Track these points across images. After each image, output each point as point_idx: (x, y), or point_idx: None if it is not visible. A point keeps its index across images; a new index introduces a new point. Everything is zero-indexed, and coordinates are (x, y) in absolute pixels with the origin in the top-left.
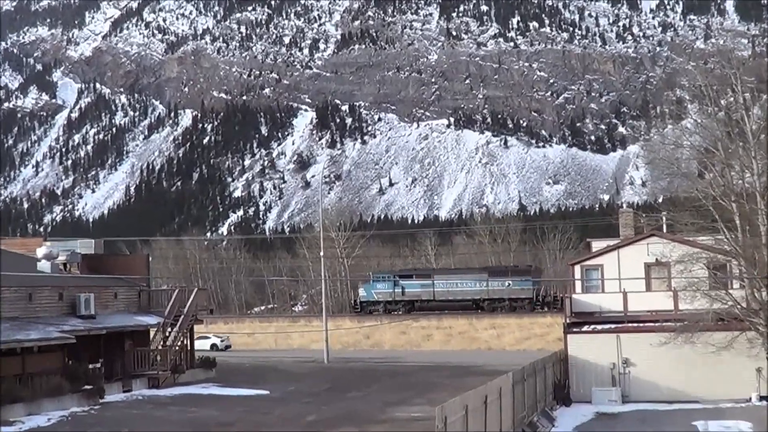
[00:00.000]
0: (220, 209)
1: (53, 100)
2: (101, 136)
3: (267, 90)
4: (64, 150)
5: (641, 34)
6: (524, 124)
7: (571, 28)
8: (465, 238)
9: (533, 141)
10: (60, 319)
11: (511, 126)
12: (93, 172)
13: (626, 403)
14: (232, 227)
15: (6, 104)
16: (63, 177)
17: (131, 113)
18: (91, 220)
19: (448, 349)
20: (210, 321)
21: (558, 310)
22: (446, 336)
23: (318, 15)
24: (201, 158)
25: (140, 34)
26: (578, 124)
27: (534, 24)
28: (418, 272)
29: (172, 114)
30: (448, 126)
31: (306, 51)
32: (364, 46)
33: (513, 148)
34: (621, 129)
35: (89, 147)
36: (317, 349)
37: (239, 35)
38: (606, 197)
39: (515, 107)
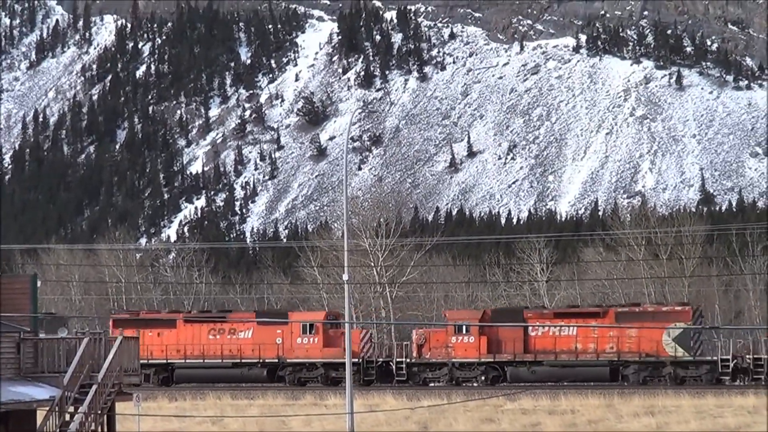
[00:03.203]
0: (165, 196)
1: None
2: None
3: None
4: None
5: None
6: (714, 47)
7: None
8: (602, 251)
9: (730, 77)
10: None
11: (689, 50)
12: None
13: None
14: (185, 228)
15: None
16: None
17: (5, 21)
18: None
19: None
20: (146, 394)
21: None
22: (566, 426)
23: None
24: (131, 104)
25: None
26: None
27: None
28: None
29: (81, 24)
30: (576, 49)
31: None
32: None
33: (692, 89)
34: None
35: None
36: None
37: None
38: None
39: (697, 17)
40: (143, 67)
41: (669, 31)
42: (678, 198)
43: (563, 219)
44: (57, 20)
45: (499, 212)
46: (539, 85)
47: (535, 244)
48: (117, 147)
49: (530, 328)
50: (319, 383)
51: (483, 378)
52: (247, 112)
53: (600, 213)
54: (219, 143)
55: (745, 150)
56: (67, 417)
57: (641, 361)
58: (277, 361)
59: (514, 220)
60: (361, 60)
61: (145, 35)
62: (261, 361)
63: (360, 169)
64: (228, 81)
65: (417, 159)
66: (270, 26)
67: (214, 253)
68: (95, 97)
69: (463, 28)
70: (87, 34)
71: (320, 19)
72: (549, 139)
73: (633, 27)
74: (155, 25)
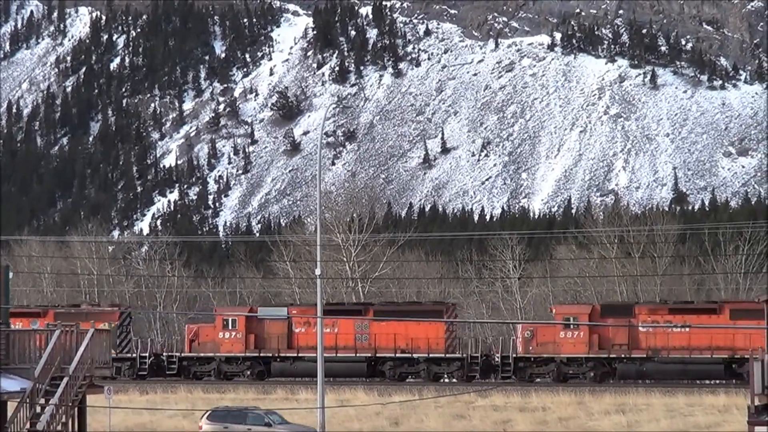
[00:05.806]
0: (138, 189)
1: None
2: None
3: None
4: None
5: None
6: (688, 46)
7: None
8: (575, 249)
9: (704, 76)
10: None
11: (664, 49)
12: None
13: None
14: (158, 221)
15: None
16: None
17: None
18: None
19: None
20: (117, 387)
21: (738, 383)
22: (537, 423)
23: None
24: (105, 96)
25: None
26: None
27: None
28: None
29: (55, 15)
30: (551, 47)
31: None
32: None
33: (666, 88)
34: None
35: None
36: None
37: None
38: None
39: (672, 16)
40: (117, 60)
41: (644, 30)
42: (651, 197)
43: (536, 216)
44: (31, 11)
45: (472, 209)
46: (514, 82)
47: (507, 241)
48: (90, 139)
49: None
50: None
51: None
52: (221, 106)
53: (573, 211)
54: (193, 137)
55: (718, 150)
56: (38, 409)
57: None
58: None
59: (488, 217)
60: (335, 55)
61: (120, 28)
62: None
63: (333, 164)
64: (202, 74)
65: (391, 155)
66: (245, 20)
67: (187, 247)
68: (69, 89)
69: (438, 24)
70: (62, 25)
71: (295, 13)
72: (523, 136)
73: (608, 25)
74: (130, 18)
